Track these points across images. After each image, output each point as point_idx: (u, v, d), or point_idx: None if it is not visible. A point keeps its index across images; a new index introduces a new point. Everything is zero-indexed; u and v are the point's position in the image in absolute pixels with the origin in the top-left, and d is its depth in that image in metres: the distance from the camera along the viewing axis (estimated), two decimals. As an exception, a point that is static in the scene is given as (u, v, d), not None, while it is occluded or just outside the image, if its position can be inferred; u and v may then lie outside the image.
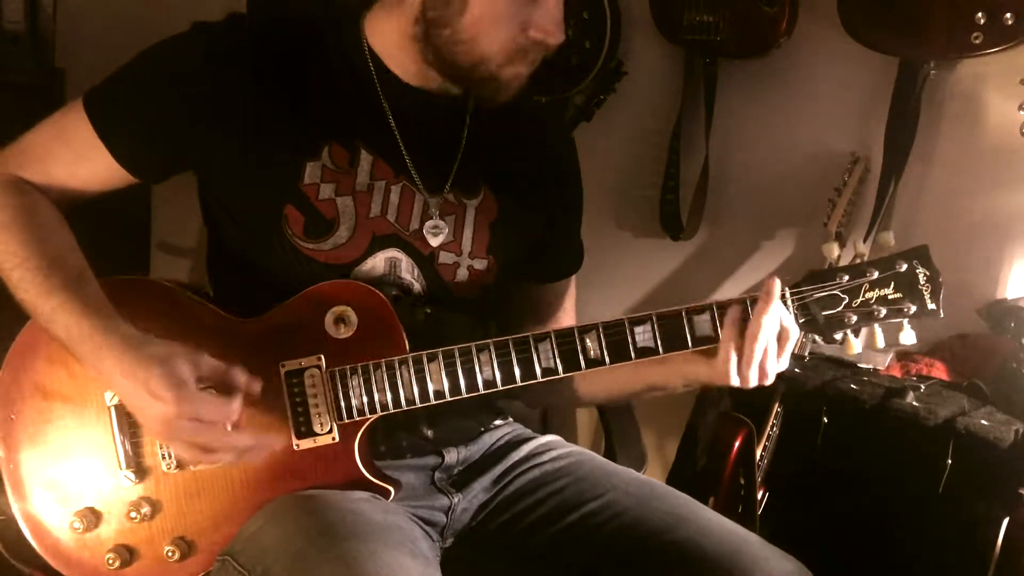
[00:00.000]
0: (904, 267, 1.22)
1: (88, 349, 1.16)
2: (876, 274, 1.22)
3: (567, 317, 1.56)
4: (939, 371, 2.00)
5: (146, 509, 1.25)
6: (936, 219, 2.13)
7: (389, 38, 1.31)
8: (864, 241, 2.08)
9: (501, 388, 1.24)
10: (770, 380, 1.22)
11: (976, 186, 2.08)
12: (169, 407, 1.12)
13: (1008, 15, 1.83)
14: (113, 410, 1.25)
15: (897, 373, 2.00)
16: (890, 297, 1.22)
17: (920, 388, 1.89)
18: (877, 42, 2.03)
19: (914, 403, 1.84)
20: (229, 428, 1.16)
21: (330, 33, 1.34)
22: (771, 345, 1.20)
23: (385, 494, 1.26)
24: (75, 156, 1.29)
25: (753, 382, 1.22)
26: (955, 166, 2.10)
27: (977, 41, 1.88)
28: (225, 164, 1.29)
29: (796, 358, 2.02)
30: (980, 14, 1.86)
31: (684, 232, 2.38)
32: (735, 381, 1.22)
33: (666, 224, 2.41)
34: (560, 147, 1.53)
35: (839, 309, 1.22)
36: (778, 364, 1.22)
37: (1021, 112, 1.82)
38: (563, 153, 1.53)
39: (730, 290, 2.41)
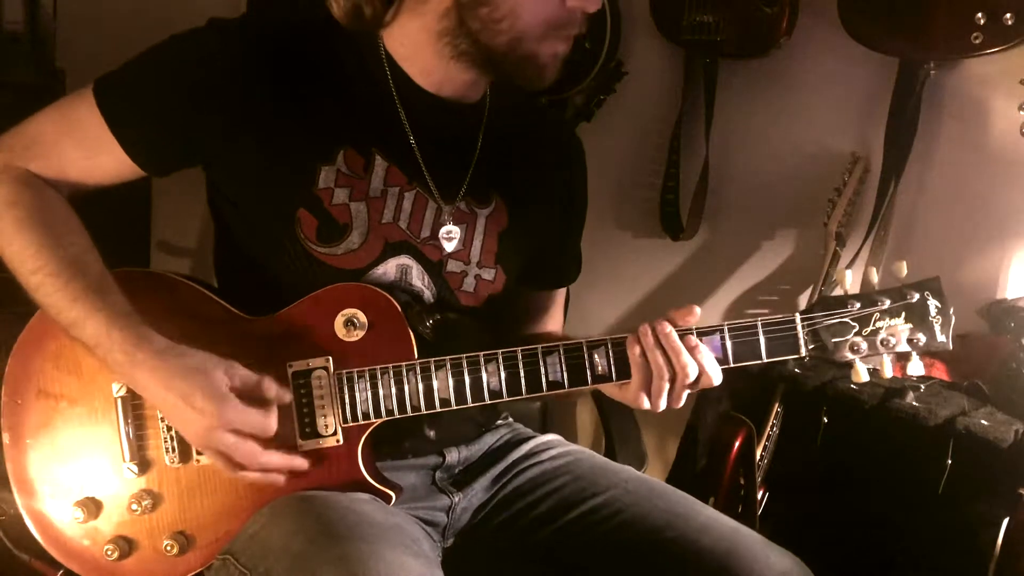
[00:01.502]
0: (916, 297, 1.21)
1: (117, 360, 1.17)
2: (888, 303, 1.21)
3: (554, 322, 1.56)
4: (939, 371, 1.99)
5: (147, 502, 1.25)
6: (936, 219, 2.14)
7: (409, 40, 1.30)
8: (864, 241, 2.09)
9: (507, 399, 1.24)
10: (680, 405, 1.23)
11: (976, 186, 2.08)
12: (211, 420, 1.14)
13: (1008, 15, 1.83)
14: (119, 402, 1.25)
15: (897, 373, 1.99)
16: (900, 327, 1.22)
17: (920, 388, 1.89)
18: (877, 42, 2.03)
19: (914, 403, 1.84)
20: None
21: (345, 35, 1.32)
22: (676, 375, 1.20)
23: (386, 499, 1.26)
24: (84, 148, 1.28)
25: (662, 408, 1.22)
26: (955, 166, 2.10)
27: (977, 41, 1.88)
28: (237, 163, 1.28)
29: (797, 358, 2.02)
30: (980, 14, 1.86)
31: (684, 232, 2.38)
32: (645, 405, 1.22)
33: (666, 224, 2.41)
34: (573, 159, 1.52)
35: (849, 337, 1.22)
36: (688, 391, 1.22)
37: (1021, 112, 1.82)
38: (575, 165, 1.52)
39: (730, 290, 2.41)
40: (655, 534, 1.30)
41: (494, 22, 1.23)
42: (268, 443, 1.21)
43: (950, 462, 1.80)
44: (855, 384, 1.89)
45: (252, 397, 1.18)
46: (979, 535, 1.74)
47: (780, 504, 2.08)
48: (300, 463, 1.22)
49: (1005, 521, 1.72)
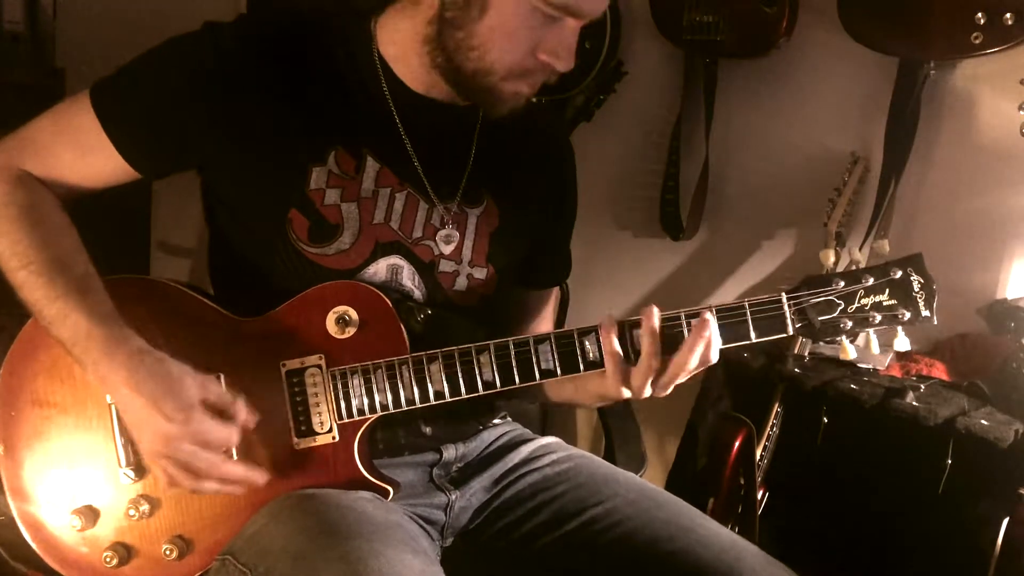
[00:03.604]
0: (899, 274, 1.23)
1: (94, 358, 1.16)
2: (871, 280, 1.23)
3: (546, 322, 1.56)
4: (939, 371, 2.00)
5: (145, 507, 1.25)
6: (936, 219, 2.14)
7: (401, 42, 1.30)
8: (864, 241, 2.09)
9: (501, 389, 1.24)
10: (667, 392, 1.23)
11: (976, 186, 2.08)
12: (175, 428, 1.13)
13: (1008, 15, 1.83)
14: (114, 408, 1.25)
15: (897, 373, 2.00)
16: (885, 303, 1.23)
17: (920, 388, 1.89)
18: (877, 42, 2.03)
19: (914, 403, 1.84)
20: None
21: (339, 36, 1.33)
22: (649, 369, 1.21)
23: (384, 494, 1.26)
24: (80, 150, 1.29)
25: (646, 394, 1.22)
26: (955, 166, 2.11)
27: (977, 41, 1.88)
28: (230, 165, 1.28)
29: (796, 358, 2.02)
30: (980, 14, 1.86)
31: (684, 232, 2.39)
32: (626, 394, 1.23)
33: (666, 224, 2.41)
34: (563, 158, 1.52)
35: (835, 315, 1.23)
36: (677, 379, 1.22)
37: (1021, 112, 1.82)
38: (565, 164, 1.53)
39: (730, 290, 2.41)
40: (656, 546, 1.29)
41: (467, 48, 1.24)
42: (264, 442, 1.21)
43: (950, 462, 1.80)
44: (855, 385, 1.91)
45: (221, 415, 1.18)
46: (979, 535, 1.74)
47: (780, 504, 2.08)
48: (259, 477, 1.21)
49: (1005, 521, 1.72)
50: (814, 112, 2.27)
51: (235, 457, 1.20)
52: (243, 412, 1.19)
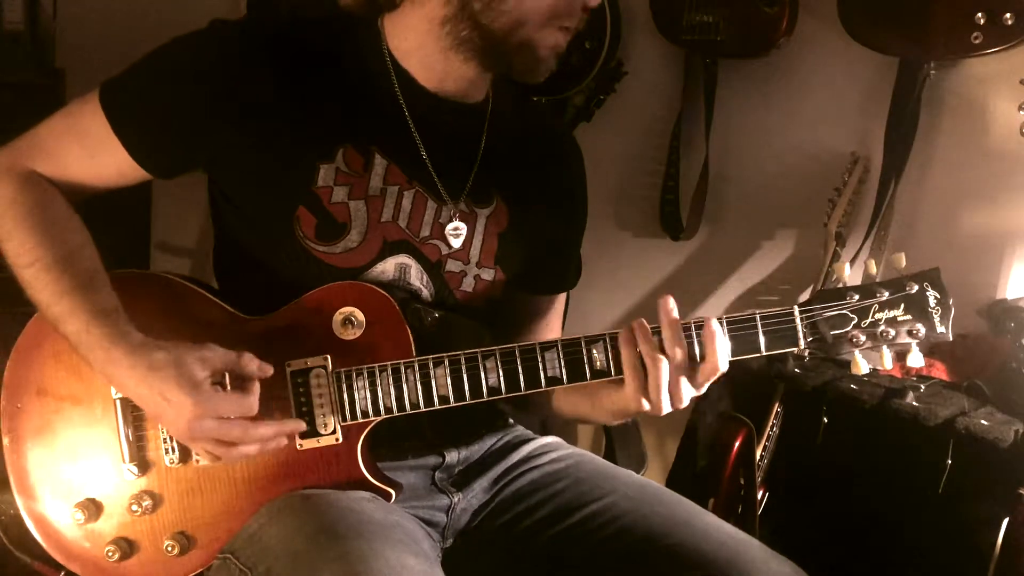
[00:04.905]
0: (915, 289, 1.21)
1: (99, 357, 1.17)
2: (886, 295, 1.21)
3: (552, 330, 1.56)
4: (939, 371, 2.00)
5: (147, 503, 1.25)
6: (936, 219, 2.14)
7: (412, 32, 1.30)
8: (864, 241, 2.09)
9: (505, 395, 1.24)
10: (684, 404, 1.20)
11: (976, 186, 2.08)
12: (188, 411, 1.13)
13: (1008, 15, 1.84)
14: (118, 403, 1.25)
15: (897, 373, 2.00)
16: (900, 319, 1.21)
17: (920, 388, 1.89)
18: (877, 42, 2.04)
19: (914, 403, 1.84)
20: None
21: (347, 34, 1.33)
22: (675, 370, 1.18)
23: (386, 496, 1.26)
24: (89, 150, 1.29)
25: (665, 407, 1.19)
26: (955, 166, 2.11)
27: (977, 41, 1.88)
28: (238, 162, 1.28)
29: (796, 358, 2.02)
30: (980, 14, 1.86)
31: (684, 232, 2.39)
32: (645, 407, 1.20)
33: (666, 224, 2.41)
34: (573, 162, 1.52)
35: (848, 329, 1.21)
36: (692, 389, 1.20)
37: (1021, 112, 1.82)
38: (575, 168, 1.52)
39: (730, 290, 2.41)
40: (655, 540, 1.29)
41: (498, 2, 1.23)
42: None
43: (950, 462, 1.80)
44: (855, 385, 1.91)
45: (235, 376, 1.18)
46: (979, 535, 1.75)
47: (780, 504, 2.08)
48: (294, 426, 1.21)
49: (1005, 521, 1.72)
50: (814, 112, 2.27)
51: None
52: (253, 364, 1.19)
